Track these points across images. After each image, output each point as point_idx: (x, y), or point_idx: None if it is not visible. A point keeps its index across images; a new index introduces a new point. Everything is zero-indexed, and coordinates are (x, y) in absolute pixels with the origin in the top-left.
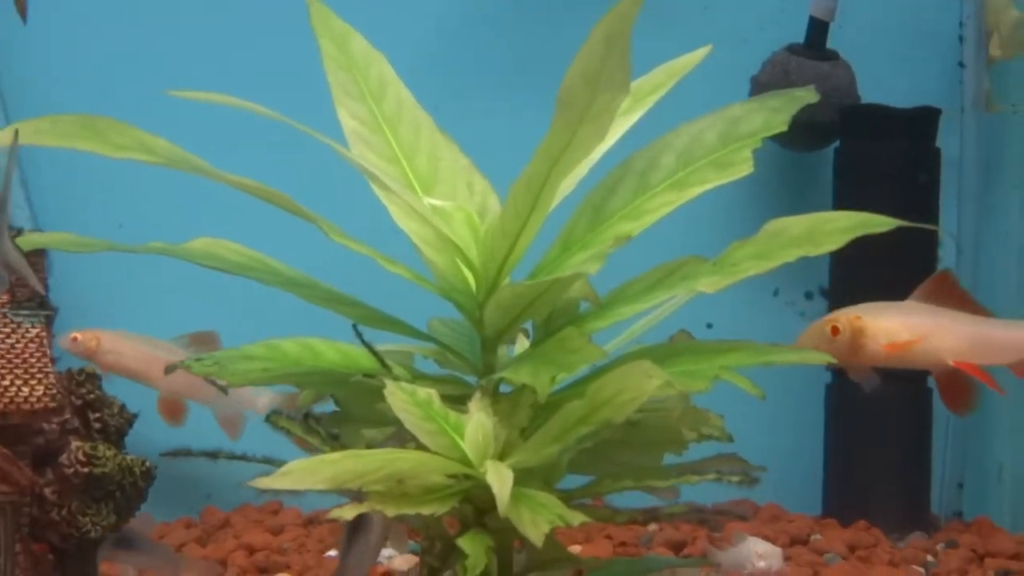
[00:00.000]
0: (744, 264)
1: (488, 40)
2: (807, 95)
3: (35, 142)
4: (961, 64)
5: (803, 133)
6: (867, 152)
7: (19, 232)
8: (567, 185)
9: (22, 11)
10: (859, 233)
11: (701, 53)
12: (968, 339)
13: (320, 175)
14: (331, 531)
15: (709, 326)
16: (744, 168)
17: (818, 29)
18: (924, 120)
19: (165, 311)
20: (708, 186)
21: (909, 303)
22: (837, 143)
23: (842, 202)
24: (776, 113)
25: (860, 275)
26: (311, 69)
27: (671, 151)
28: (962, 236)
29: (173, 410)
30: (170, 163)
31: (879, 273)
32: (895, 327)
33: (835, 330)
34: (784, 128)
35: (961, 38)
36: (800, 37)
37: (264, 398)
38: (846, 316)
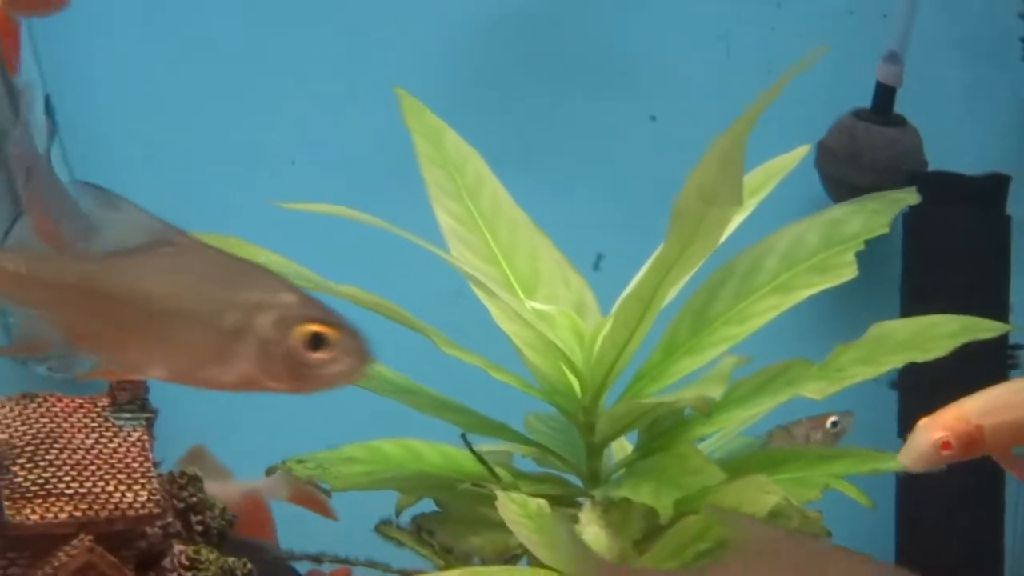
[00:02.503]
0: (851, 369)
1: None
2: (908, 197)
3: None
4: None
5: None
6: (937, 219)
7: None
8: (672, 291)
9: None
10: (967, 339)
11: (800, 153)
12: None
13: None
14: None
15: None
16: (848, 272)
17: (885, 94)
18: (994, 187)
19: (264, 412)
20: (813, 290)
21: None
22: (906, 209)
23: (911, 269)
24: (877, 215)
25: None
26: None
27: (773, 253)
28: None
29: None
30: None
31: None
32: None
33: (946, 445)
34: (886, 230)
35: None
36: (866, 100)
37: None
38: (956, 423)
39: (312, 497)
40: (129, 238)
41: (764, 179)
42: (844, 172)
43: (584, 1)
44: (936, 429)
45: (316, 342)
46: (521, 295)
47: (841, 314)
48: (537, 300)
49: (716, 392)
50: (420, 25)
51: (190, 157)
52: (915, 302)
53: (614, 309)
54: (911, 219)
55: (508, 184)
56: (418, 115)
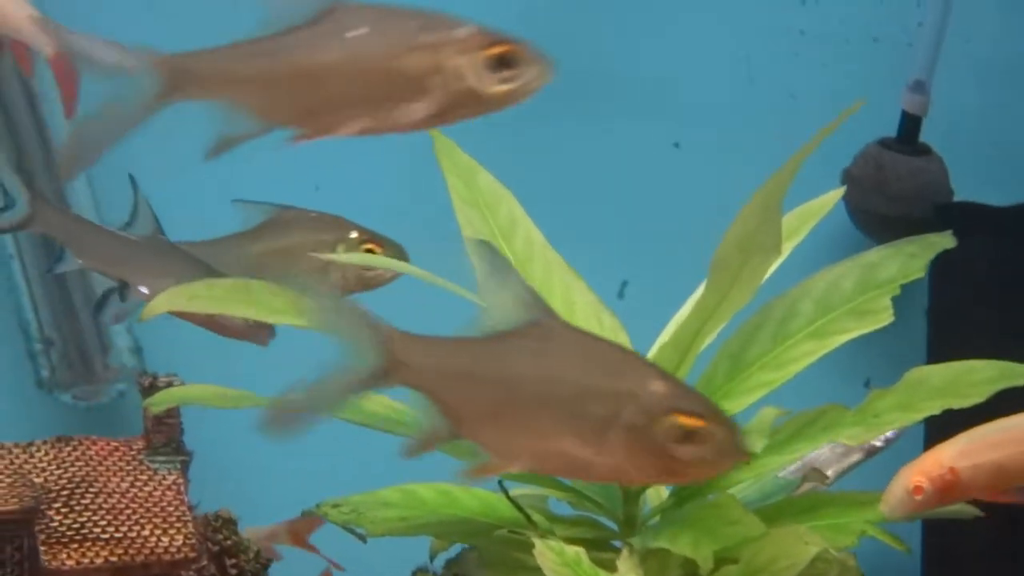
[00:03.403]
0: (887, 415)
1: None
2: (944, 240)
3: (192, 308)
4: None
5: (897, 227)
6: (964, 249)
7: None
8: (709, 339)
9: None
10: (1004, 385)
11: (835, 196)
12: None
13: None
14: None
15: None
16: (884, 317)
17: (911, 123)
18: (1021, 218)
19: (299, 455)
20: (849, 335)
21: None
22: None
23: (937, 297)
24: (913, 259)
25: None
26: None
27: (809, 298)
28: None
29: None
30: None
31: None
32: (997, 471)
33: (918, 490)
34: (921, 275)
35: None
36: (891, 129)
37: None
38: (931, 468)
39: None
40: (512, 317)
41: (799, 223)
42: (870, 201)
43: (605, 27)
44: (910, 474)
45: (685, 434)
46: None
47: (868, 342)
48: None
49: (758, 446)
50: None
51: (211, 182)
52: (943, 334)
53: (650, 355)
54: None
55: (531, 211)
56: (451, 154)
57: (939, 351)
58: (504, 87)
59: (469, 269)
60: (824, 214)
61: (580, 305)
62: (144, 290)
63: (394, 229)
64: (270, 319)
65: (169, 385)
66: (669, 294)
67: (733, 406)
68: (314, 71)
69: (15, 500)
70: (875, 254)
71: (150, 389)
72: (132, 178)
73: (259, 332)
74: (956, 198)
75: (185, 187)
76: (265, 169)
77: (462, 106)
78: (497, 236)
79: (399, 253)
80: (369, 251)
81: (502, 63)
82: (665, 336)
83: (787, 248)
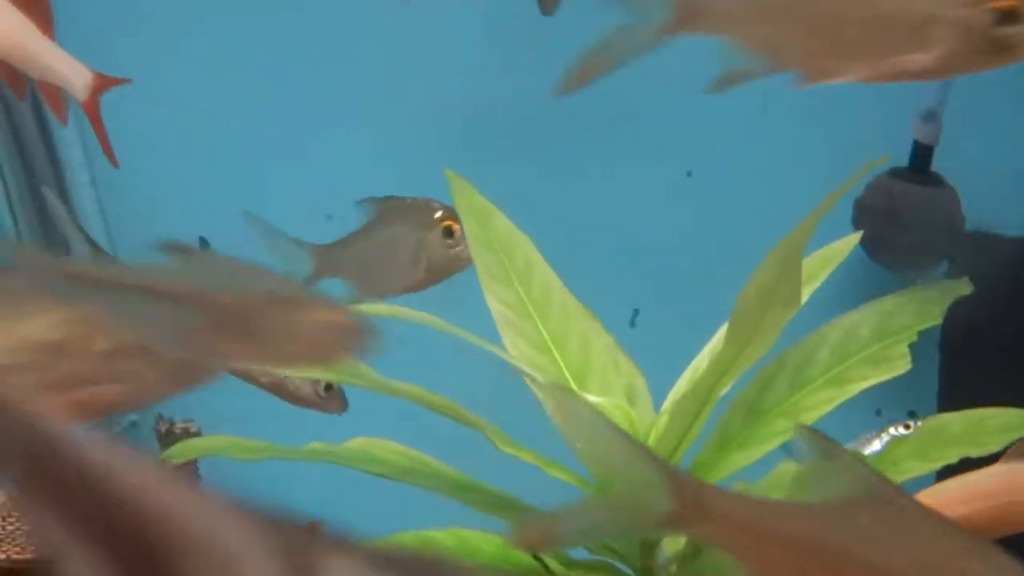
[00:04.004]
0: (905, 464)
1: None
2: (960, 286)
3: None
4: None
5: (910, 256)
6: (977, 281)
7: None
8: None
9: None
10: (1020, 434)
11: (852, 240)
12: None
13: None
14: None
15: None
16: (901, 364)
17: (923, 153)
18: None
19: (317, 495)
20: (866, 383)
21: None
22: (945, 268)
23: (951, 327)
24: (930, 305)
25: (975, 393)
26: None
27: (826, 346)
28: None
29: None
30: (339, 376)
31: (994, 391)
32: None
33: None
34: (939, 321)
35: None
36: (902, 159)
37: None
38: None
39: None
40: (844, 489)
41: (817, 268)
42: (881, 231)
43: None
44: None
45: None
46: (573, 385)
47: None
48: (589, 389)
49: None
50: (456, 80)
51: (223, 210)
52: (956, 363)
53: (667, 404)
54: (951, 277)
55: (542, 240)
56: (467, 196)
57: (951, 380)
58: (1010, 42)
59: (483, 310)
60: (842, 259)
61: (597, 348)
62: None
63: None
64: (292, 373)
65: (186, 431)
66: (682, 323)
67: (750, 455)
68: (821, 12)
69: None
70: (891, 301)
71: (167, 436)
72: (203, 240)
73: (330, 401)
74: (968, 228)
75: (203, 216)
76: (278, 199)
77: (966, 60)
78: (514, 281)
79: None
80: (447, 228)
81: (1007, 18)
82: (682, 386)
83: (805, 293)
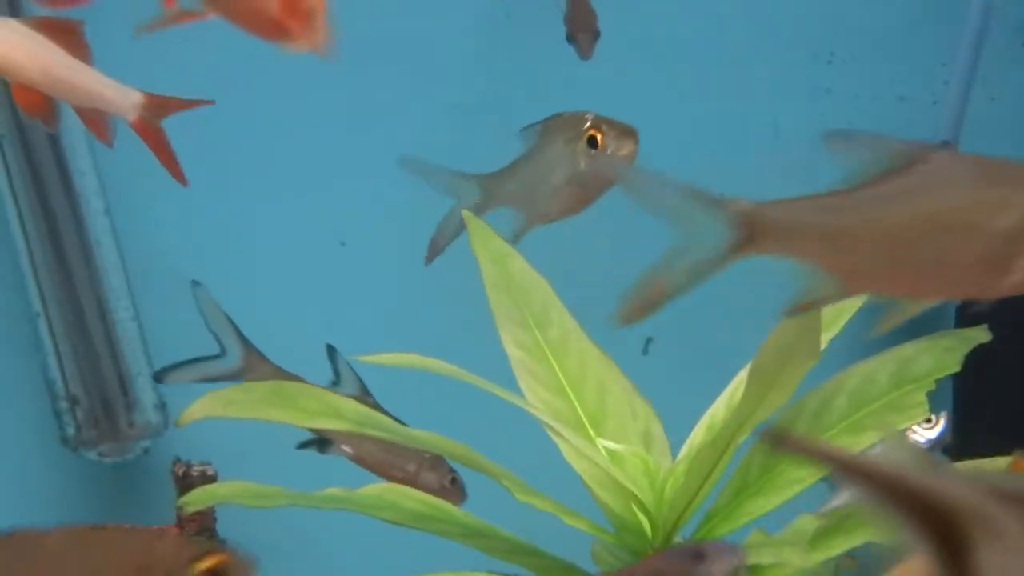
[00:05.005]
0: None
1: None
2: (978, 334)
3: (228, 414)
4: None
5: None
6: (988, 315)
7: None
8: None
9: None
10: None
11: None
12: None
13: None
14: None
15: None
16: (919, 412)
17: None
18: None
19: (335, 541)
20: (883, 431)
21: None
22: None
23: (963, 366)
24: (948, 353)
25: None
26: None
27: (843, 393)
28: None
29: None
30: (360, 427)
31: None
32: None
33: None
34: (957, 368)
35: None
36: None
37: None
38: None
39: None
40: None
41: (835, 316)
42: None
43: (631, 82)
44: None
45: None
46: (590, 430)
47: None
48: (606, 434)
49: (796, 560)
50: (469, 114)
51: (235, 236)
52: (967, 402)
53: (685, 452)
54: (962, 315)
55: (555, 270)
56: (484, 239)
57: (964, 415)
58: None
59: (500, 352)
60: (859, 306)
61: (614, 393)
62: (347, 449)
63: (420, 295)
64: (307, 423)
65: (203, 474)
66: (694, 352)
67: (768, 502)
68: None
69: None
70: (910, 348)
71: (184, 479)
72: (331, 348)
73: (454, 493)
74: None
75: (217, 243)
76: (291, 224)
77: None
78: (531, 324)
79: (626, 133)
80: (591, 137)
81: None
82: (699, 434)
83: (824, 341)
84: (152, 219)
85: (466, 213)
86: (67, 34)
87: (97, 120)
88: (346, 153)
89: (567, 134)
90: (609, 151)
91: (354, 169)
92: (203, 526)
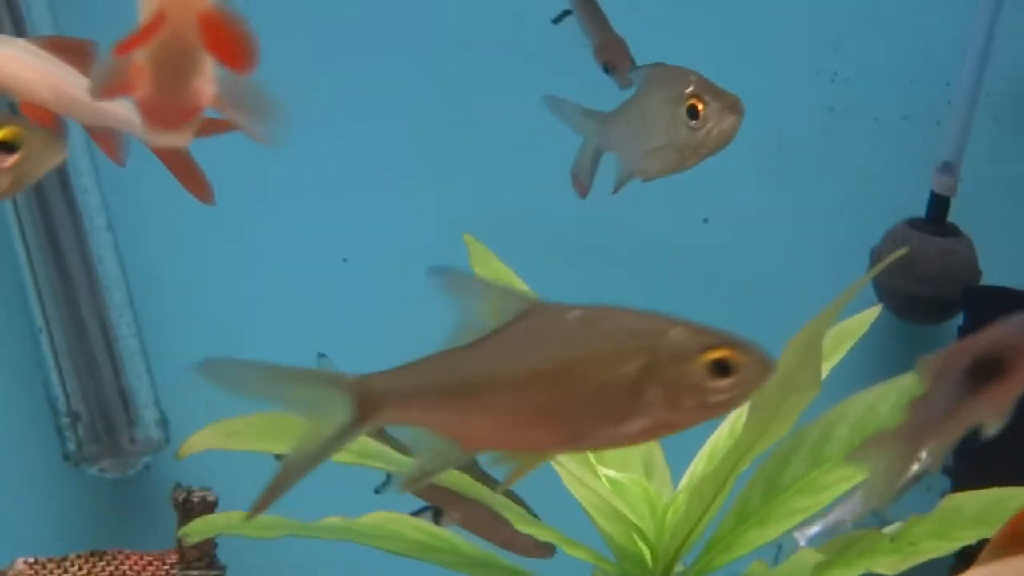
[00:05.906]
0: (923, 544)
1: None
2: None
3: (230, 446)
4: None
5: (925, 307)
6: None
7: None
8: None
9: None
10: None
11: (872, 314)
12: None
13: None
14: None
15: None
16: None
17: (939, 204)
18: None
19: (335, 566)
20: None
21: None
22: (961, 320)
23: None
24: None
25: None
26: None
27: (845, 422)
28: None
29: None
30: (361, 458)
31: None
32: None
33: None
34: None
35: None
36: (919, 208)
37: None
38: None
39: None
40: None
41: (837, 343)
42: (897, 282)
43: None
44: None
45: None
46: (591, 459)
47: None
48: (607, 462)
49: None
50: (476, 129)
51: (238, 250)
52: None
53: (685, 482)
54: (966, 330)
55: (561, 287)
56: (486, 262)
57: (965, 440)
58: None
59: None
60: (861, 334)
61: None
62: (456, 515)
63: (421, 312)
64: None
65: (204, 500)
66: None
67: (769, 532)
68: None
69: None
70: (911, 377)
71: (184, 504)
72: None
73: (543, 550)
74: (984, 280)
75: (220, 255)
76: (293, 241)
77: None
78: None
79: (731, 107)
80: (692, 107)
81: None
82: (700, 464)
83: (824, 369)
84: (154, 236)
85: (468, 237)
86: (79, 54)
87: (109, 139)
88: (349, 169)
89: (669, 92)
90: (710, 125)
91: (357, 185)
92: (204, 552)
